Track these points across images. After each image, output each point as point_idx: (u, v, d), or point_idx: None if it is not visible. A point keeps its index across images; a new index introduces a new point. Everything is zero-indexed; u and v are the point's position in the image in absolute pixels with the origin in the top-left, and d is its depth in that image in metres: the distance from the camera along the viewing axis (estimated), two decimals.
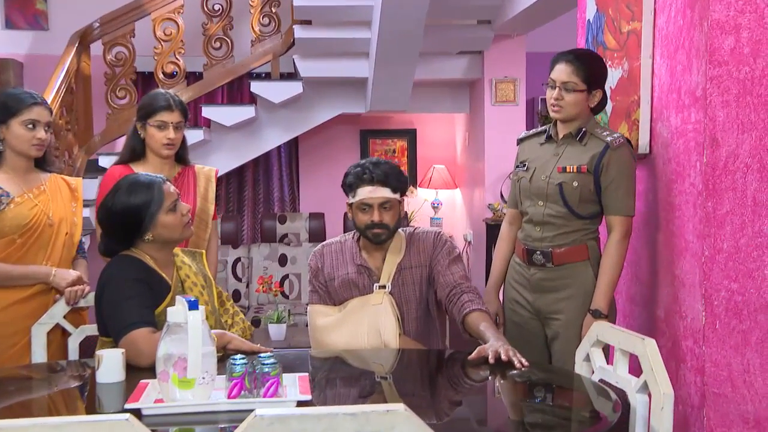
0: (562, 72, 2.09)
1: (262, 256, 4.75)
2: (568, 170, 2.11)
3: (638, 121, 2.21)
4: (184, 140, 2.52)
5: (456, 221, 5.77)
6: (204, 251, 2.15)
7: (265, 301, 4.65)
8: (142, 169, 2.41)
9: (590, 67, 2.09)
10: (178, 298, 1.53)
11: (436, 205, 5.61)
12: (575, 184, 2.11)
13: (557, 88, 2.11)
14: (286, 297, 4.66)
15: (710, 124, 1.83)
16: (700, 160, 1.89)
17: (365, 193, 2.09)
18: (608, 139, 2.11)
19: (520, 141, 2.30)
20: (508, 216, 2.36)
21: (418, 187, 5.76)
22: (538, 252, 2.18)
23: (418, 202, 5.75)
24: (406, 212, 2.14)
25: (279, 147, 5.60)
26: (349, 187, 2.14)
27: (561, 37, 4.11)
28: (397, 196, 2.12)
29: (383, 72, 4.43)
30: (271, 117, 4.94)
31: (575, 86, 2.08)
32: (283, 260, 4.74)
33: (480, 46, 4.81)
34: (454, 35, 4.70)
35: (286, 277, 4.68)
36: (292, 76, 5.08)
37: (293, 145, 5.69)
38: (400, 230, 2.23)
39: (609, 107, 2.44)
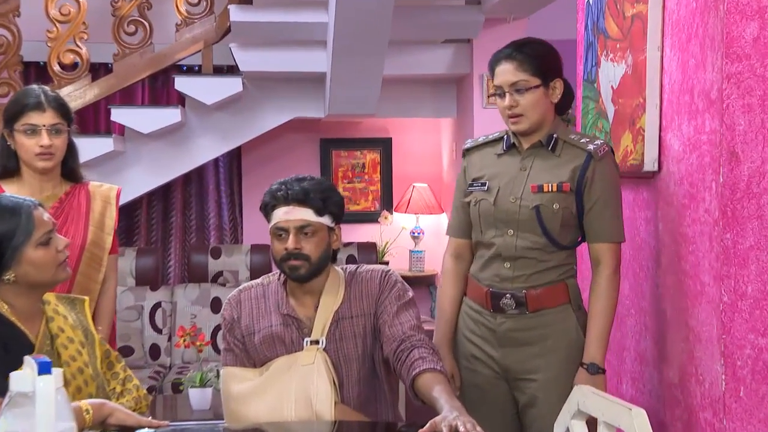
0: (506, 72, 2.16)
1: (189, 300, 4.73)
2: (545, 189, 2.16)
3: (644, 131, 2.24)
4: (72, 149, 2.50)
5: (441, 255, 5.77)
6: (87, 298, 2.11)
7: (193, 359, 4.61)
8: (15, 189, 2.39)
9: (537, 55, 2.16)
10: (27, 359, 1.48)
11: (416, 234, 5.62)
12: (556, 206, 2.15)
13: (507, 94, 2.16)
14: (219, 352, 4.62)
15: (728, 134, 1.84)
16: (716, 179, 1.90)
17: (280, 214, 2.12)
18: (590, 147, 2.16)
19: (467, 151, 2.34)
20: (454, 248, 2.38)
21: (393, 212, 5.78)
22: (507, 295, 2.20)
23: (394, 231, 5.76)
24: (338, 246, 2.20)
25: (216, 161, 5.61)
26: (265, 209, 2.17)
27: (571, 22, 4.08)
28: (323, 219, 2.14)
29: (344, 66, 4.47)
30: (203, 122, 4.96)
31: (527, 83, 2.14)
32: (216, 305, 4.71)
33: (468, 33, 4.85)
34: (436, 19, 4.74)
35: (219, 327, 4.63)
36: (230, 70, 5.10)
37: (235, 159, 5.72)
38: (338, 269, 2.24)
39: (611, 112, 2.47)
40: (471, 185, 2.28)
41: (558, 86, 2.19)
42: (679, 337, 2.10)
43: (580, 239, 2.25)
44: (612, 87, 2.44)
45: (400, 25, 4.45)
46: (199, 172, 5.59)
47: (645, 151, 2.23)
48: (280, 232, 2.13)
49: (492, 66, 2.20)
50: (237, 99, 4.91)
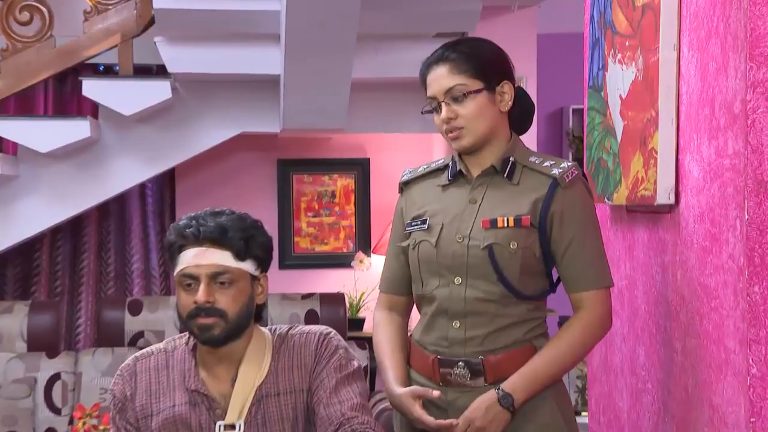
0: (439, 78, 2.23)
1: (98, 370, 4.68)
2: (500, 224, 2.21)
3: (656, 153, 2.27)
4: None
5: None
6: None
7: None
8: None
9: (475, 54, 2.24)
10: None
11: None
12: (513, 245, 2.20)
13: (443, 104, 2.23)
14: None
15: (753, 158, 1.86)
16: (740, 216, 1.91)
17: (188, 258, 2.14)
18: (555, 172, 2.23)
19: (404, 185, 2.42)
20: (385, 303, 2.44)
21: (371, 254, 5.80)
22: (460, 364, 2.24)
23: (373, 278, 5.76)
24: (264, 300, 2.25)
25: (142, 188, 5.64)
26: (170, 251, 2.19)
27: None
28: (244, 265, 2.17)
29: (301, 66, 4.51)
30: (122, 138, 4.99)
31: (465, 87, 2.21)
32: None
33: (463, 26, 4.87)
34: (422, 7, 4.76)
35: None
36: (157, 71, 5.12)
37: (166, 186, 5.74)
38: (264, 331, 2.25)
39: (619, 128, 2.50)
40: (409, 225, 2.35)
41: (507, 90, 2.26)
42: (702, 419, 2.10)
43: (549, 289, 2.30)
44: (620, 96, 2.49)
45: (376, 15, 4.47)
46: (119, 203, 5.60)
47: (658, 179, 2.26)
48: (188, 281, 2.14)
49: (423, 75, 2.28)
50: (166, 109, 4.93)
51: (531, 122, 2.38)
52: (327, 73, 4.58)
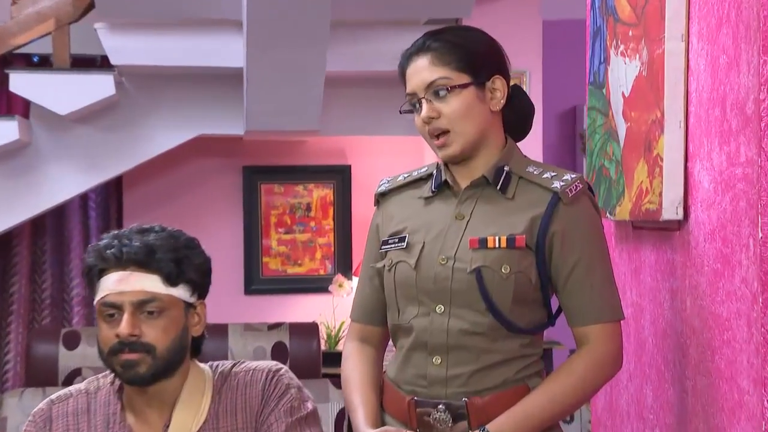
0: (419, 71, 2.24)
1: (26, 413, 4.63)
2: (490, 244, 2.21)
3: (662, 160, 2.28)
4: None
5: None
6: None
7: None
8: None
9: (461, 42, 2.25)
10: None
11: None
12: (506, 269, 2.20)
13: (423, 102, 2.23)
14: None
15: None
16: (753, 234, 1.91)
17: (110, 284, 2.14)
18: (556, 185, 2.23)
19: (381, 197, 2.44)
20: (357, 333, 2.45)
21: (353, 277, 5.80)
22: (440, 407, 2.22)
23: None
24: (200, 331, 2.27)
25: (84, 200, 5.68)
26: (89, 276, 2.19)
27: None
28: (176, 291, 2.17)
29: (266, 57, 4.53)
30: (59, 142, 5.00)
31: (449, 81, 2.22)
32: None
33: (456, 11, 4.92)
34: None
35: None
36: (98, 63, 5.23)
37: (112, 197, 5.77)
38: (204, 368, 2.25)
39: (622, 131, 2.50)
40: (385, 243, 2.35)
41: (499, 86, 2.26)
42: None
43: (547, 321, 2.29)
44: (623, 94, 2.49)
45: None
46: (56, 217, 5.62)
47: (664, 191, 2.27)
48: (109, 311, 2.14)
49: (402, 68, 2.29)
50: (110, 107, 4.96)
51: (530, 126, 2.38)
52: (297, 66, 4.59)
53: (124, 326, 2.12)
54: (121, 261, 2.13)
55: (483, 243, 2.21)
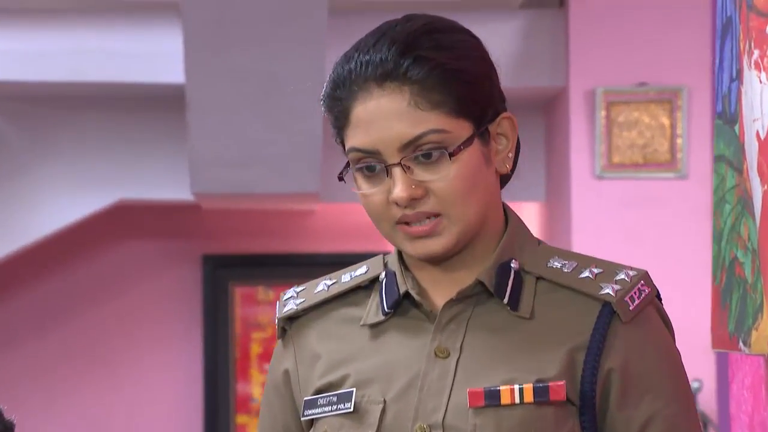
0: (388, 116, 1.81)
1: None
2: (505, 399, 1.85)
3: None
4: None
5: None
6: None
7: None
8: None
9: (453, 60, 1.83)
10: None
11: None
12: None
13: (396, 169, 1.81)
14: None
15: None
16: None
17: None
18: (605, 290, 1.86)
19: (288, 322, 1.99)
20: None
21: None
22: None
23: None
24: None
25: None
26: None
27: None
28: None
29: (220, 66, 4.09)
30: None
31: (446, 135, 1.82)
32: None
33: None
34: None
35: None
36: None
37: None
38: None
39: (758, 198, 2.33)
40: (312, 405, 1.89)
41: (508, 129, 1.89)
42: None
43: None
44: (758, 135, 2.28)
45: None
46: None
47: None
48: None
49: (340, 99, 1.82)
50: None
51: (514, 165, 1.96)
52: (277, 81, 4.08)
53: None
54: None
55: (492, 397, 1.82)
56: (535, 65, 5.09)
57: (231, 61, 4.08)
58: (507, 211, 1.90)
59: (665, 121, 5.12)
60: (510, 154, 1.89)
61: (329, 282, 1.92)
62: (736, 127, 2.41)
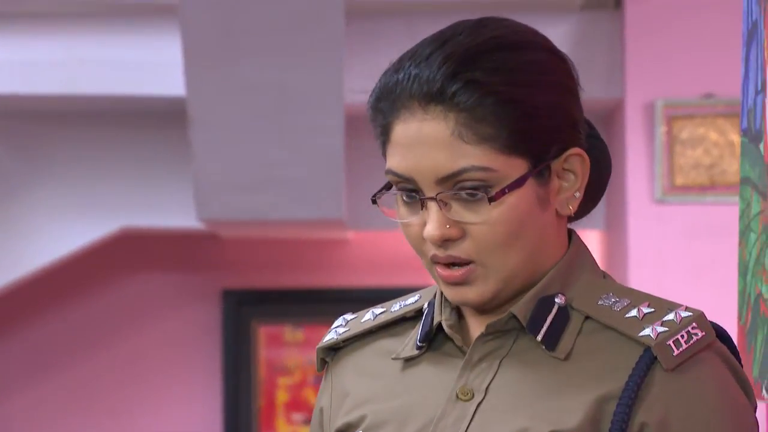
0: (429, 144, 1.70)
1: None
2: None
3: None
4: None
5: None
6: None
7: None
8: None
9: (511, 86, 1.67)
10: None
11: None
12: None
13: (432, 203, 1.72)
14: None
15: None
16: None
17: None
18: (647, 331, 1.75)
19: (328, 352, 1.94)
20: None
21: None
22: None
23: None
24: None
25: None
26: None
27: None
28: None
29: (226, 78, 4.00)
30: None
31: (492, 174, 1.70)
32: None
33: None
34: None
35: None
36: None
37: None
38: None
39: None
40: None
41: (578, 165, 1.72)
42: None
43: None
44: None
45: None
46: None
47: None
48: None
49: (384, 118, 1.71)
50: None
51: (600, 196, 1.81)
52: (293, 96, 4.02)
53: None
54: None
55: None
56: (586, 74, 4.70)
57: (237, 72, 3.90)
58: (572, 240, 1.81)
59: (734, 138, 4.96)
60: (577, 194, 1.74)
61: (378, 311, 1.87)
62: (761, 146, 2.36)
